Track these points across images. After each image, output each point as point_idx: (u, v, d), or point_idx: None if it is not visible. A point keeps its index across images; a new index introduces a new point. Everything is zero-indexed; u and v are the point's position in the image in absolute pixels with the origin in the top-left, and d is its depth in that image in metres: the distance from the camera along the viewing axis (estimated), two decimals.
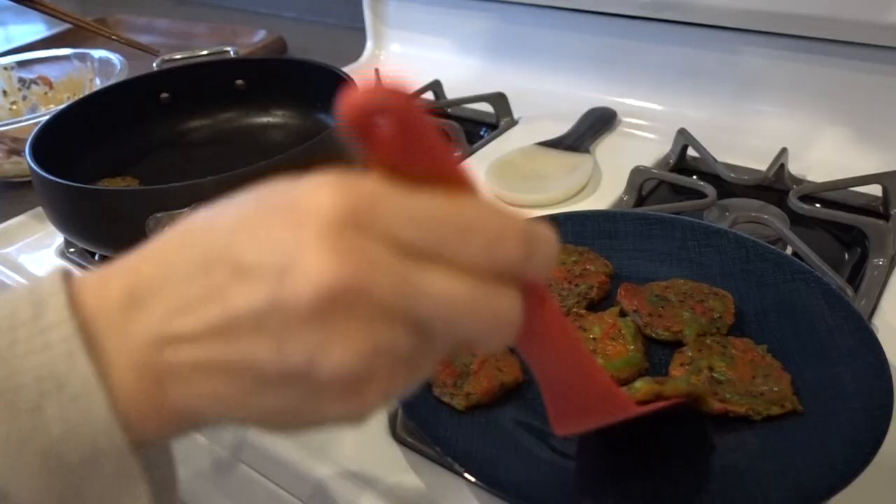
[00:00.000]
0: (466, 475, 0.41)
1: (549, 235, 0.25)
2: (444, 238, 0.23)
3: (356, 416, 0.24)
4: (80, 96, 0.78)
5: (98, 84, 0.92)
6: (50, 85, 0.97)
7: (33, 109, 0.95)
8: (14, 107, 0.95)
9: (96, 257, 0.70)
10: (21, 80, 0.96)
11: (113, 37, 0.96)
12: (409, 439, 0.48)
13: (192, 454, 0.57)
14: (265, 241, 0.23)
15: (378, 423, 0.50)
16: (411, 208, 0.23)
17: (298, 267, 0.22)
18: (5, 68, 0.95)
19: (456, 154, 0.20)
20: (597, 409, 0.34)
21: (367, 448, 0.48)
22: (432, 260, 0.23)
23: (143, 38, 1.23)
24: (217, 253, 0.23)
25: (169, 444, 0.29)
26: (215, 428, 0.26)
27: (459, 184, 0.24)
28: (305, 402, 0.24)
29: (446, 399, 0.46)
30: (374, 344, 0.22)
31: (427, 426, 0.44)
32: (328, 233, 0.22)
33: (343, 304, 0.22)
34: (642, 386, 0.41)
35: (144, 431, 0.25)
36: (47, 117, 0.70)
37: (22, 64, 0.97)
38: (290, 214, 0.22)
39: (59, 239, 0.73)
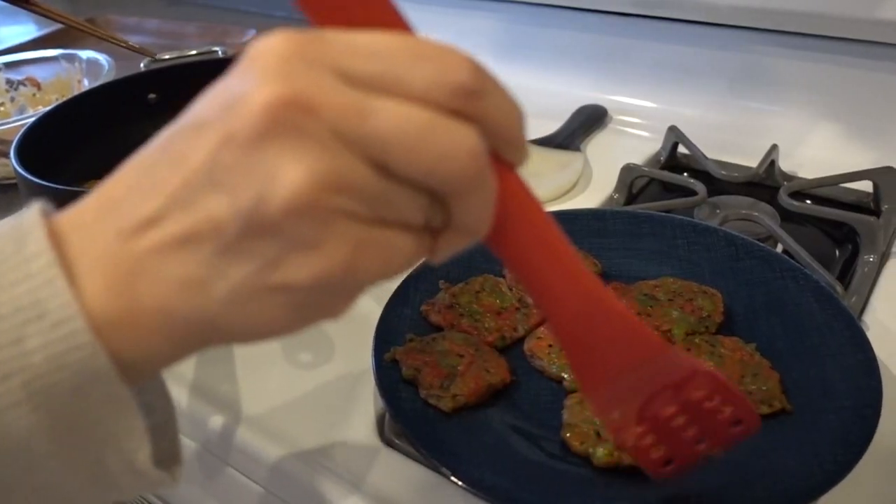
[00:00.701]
0: (453, 479, 0.40)
1: (502, 85, 0.24)
2: (395, 66, 0.22)
3: (325, 281, 0.22)
4: (68, 97, 0.78)
5: (86, 85, 0.91)
6: (38, 86, 0.96)
7: (22, 111, 0.94)
8: (2, 108, 0.95)
9: None
10: (9, 82, 0.96)
11: (110, 39, 0.95)
12: (398, 441, 0.48)
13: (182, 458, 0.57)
14: (216, 96, 0.22)
15: (366, 426, 0.49)
16: (360, 41, 0.22)
17: (241, 98, 0.21)
18: None
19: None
20: (619, 349, 0.30)
21: (355, 450, 0.48)
22: (383, 88, 0.22)
23: (134, 39, 1.22)
24: (159, 156, 0.24)
25: (165, 388, 0.28)
26: (191, 342, 0.25)
27: (404, 29, 0.24)
28: (267, 267, 0.22)
29: (433, 401, 0.46)
30: (326, 166, 0.21)
31: (413, 428, 0.43)
32: (273, 65, 0.21)
33: (290, 125, 0.21)
34: (603, 454, 0.41)
35: (125, 349, 0.24)
36: (32, 119, 0.70)
37: (10, 65, 0.96)
38: (237, 70, 0.22)
39: None
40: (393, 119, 0.21)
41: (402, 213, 0.23)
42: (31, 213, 0.25)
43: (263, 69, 0.21)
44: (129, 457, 0.25)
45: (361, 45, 0.22)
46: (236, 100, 0.21)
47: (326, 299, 0.24)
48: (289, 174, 0.21)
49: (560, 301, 0.29)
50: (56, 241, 0.24)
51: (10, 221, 0.25)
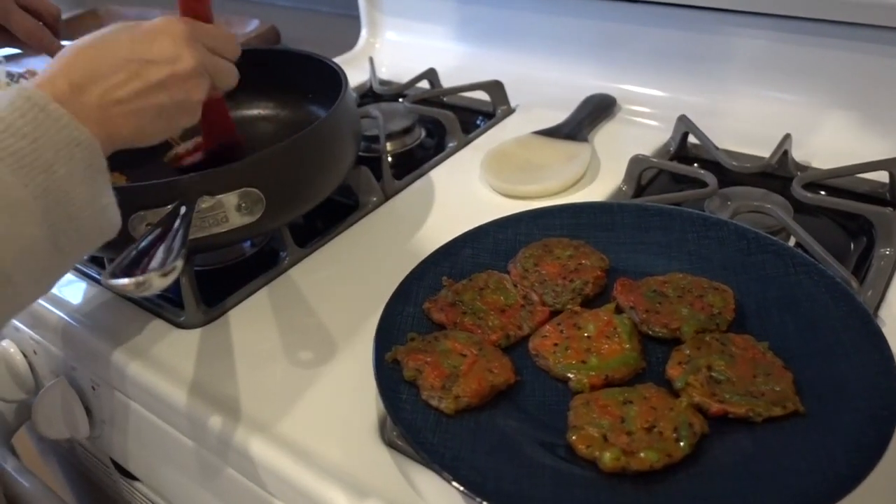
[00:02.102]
0: (455, 484, 0.39)
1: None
2: (223, 45, 0.53)
3: (189, 95, 0.49)
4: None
5: None
6: None
7: None
8: None
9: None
10: (9, 75, 0.95)
11: None
12: (399, 442, 0.47)
13: (181, 459, 0.56)
14: (160, 48, 0.47)
15: (367, 426, 0.48)
16: (211, 32, 0.52)
17: (182, 58, 0.48)
18: None
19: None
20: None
21: (356, 452, 0.47)
22: (216, 52, 0.52)
23: None
24: (129, 55, 0.46)
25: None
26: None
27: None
28: (175, 94, 0.48)
29: (434, 403, 0.44)
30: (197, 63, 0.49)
31: (413, 432, 0.42)
32: (187, 43, 0.49)
33: (195, 68, 0.49)
34: (610, 459, 0.40)
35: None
36: None
37: (10, 58, 0.95)
38: (165, 34, 0.48)
39: None
40: (219, 61, 0.53)
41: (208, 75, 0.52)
42: (34, 92, 0.41)
43: (186, 45, 0.49)
44: (99, 202, 0.42)
45: (213, 34, 0.53)
46: (176, 57, 0.48)
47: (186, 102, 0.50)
48: (189, 60, 0.49)
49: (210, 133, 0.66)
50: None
51: (16, 96, 0.40)
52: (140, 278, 0.36)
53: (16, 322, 0.68)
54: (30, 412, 0.74)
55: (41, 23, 0.64)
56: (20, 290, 0.39)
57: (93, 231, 0.42)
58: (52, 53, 0.65)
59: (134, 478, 0.68)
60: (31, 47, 0.65)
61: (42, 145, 0.39)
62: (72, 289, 0.65)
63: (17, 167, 0.38)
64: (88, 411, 0.63)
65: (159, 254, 0.40)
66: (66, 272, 0.43)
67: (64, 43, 0.65)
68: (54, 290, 0.64)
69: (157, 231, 0.44)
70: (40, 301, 0.64)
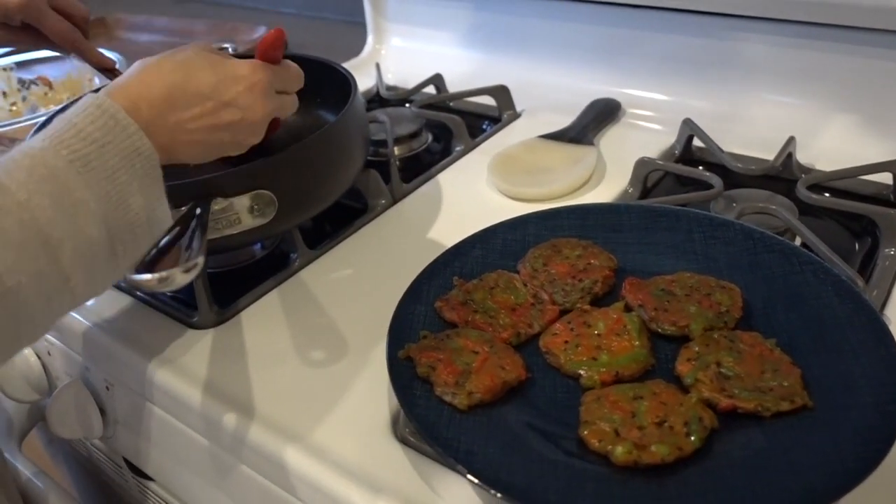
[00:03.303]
0: (469, 477, 0.40)
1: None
2: (292, 84, 0.57)
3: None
4: (79, 96, 0.77)
5: (97, 83, 0.91)
6: (49, 85, 0.96)
7: (33, 110, 0.94)
8: (14, 108, 0.95)
9: None
10: (21, 81, 0.96)
11: None
12: (412, 439, 0.47)
13: (195, 458, 0.57)
14: (240, 94, 0.50)
15: (380, 423, 0.49)
16: (284, 76, 0.55)
17: (255, 109, 0.51)
18: (5, 69, 0.95)
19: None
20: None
21: (369, 448, 0.47)
22: (285, 91, 0.56)
23: (143, 37, 1.23)
24: (211, 94, 0.49)
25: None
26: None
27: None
28: (238, 136, 0.52)
29: (448, 399, 0.45)
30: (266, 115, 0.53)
31: (428, 427, 0.43)
32: (264, 94, 0.52)
33: (263, 119, 0.53)
34: (622, 453, 0.41)
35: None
36: (44, 118, 0.69)
37: (21, 65, 0.96)
38: (246, 82, 0.51)
39: None
40: (289, 100, 0.57)
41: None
42: (106, 101, 0.43)
43: (262, 96, 0.52)
44: (159, 207, 0.45)
45: (282, 76, 0.55)
46: (251, 106, 0.51)
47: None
48: (260, 111, 0.52)
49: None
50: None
51: (89, 103, 0.43)
52: (164, 273, 0.37)
53: None
54: (42, 414, 0.75)
55: (72, 24, 0.65)
56: (77, 290, 0.40)
57: (145, 239, 0.43)
58: (82, 54, 0.67)
59: (147, 477, 0.69)
60: (63, 48, 0.66)
61: (108, 151, 0.41)
62: None
63: (85, 170, 0.40)
64: (102, 411, 0.64)
65: (180, 251, 0.41)
66: (118, 278, 0.44)
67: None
68: None
69: (176, 230, 0.44)
70: None
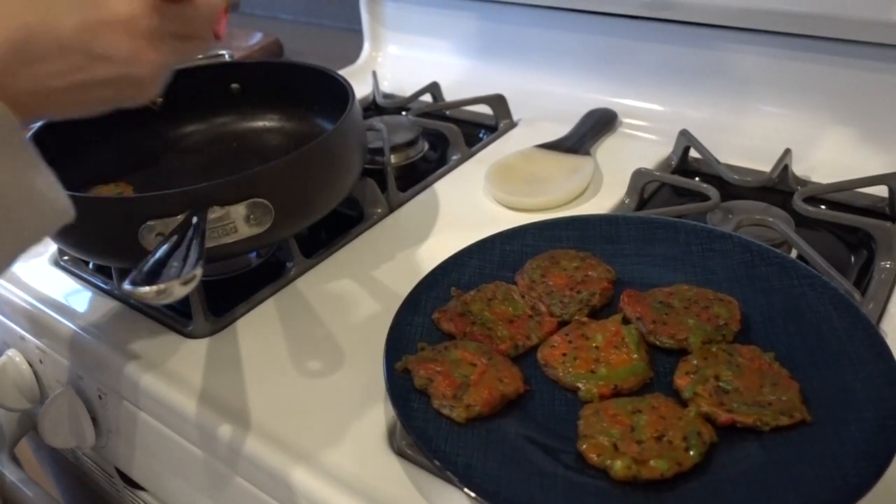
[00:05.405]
0: (467, 491, 0.40)
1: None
2: (194, 24, 0.45)
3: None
4: None
5: None
6: None
7: None
8: None
9: (90, 265, 0.69)
10: None
11: None
12: (409, 452, 0.47)
13: (188, 468, 0.56)
14: (112, 43, 0.39)
15: (377, 436, 0.49)
16: (174, 13, 0.43)
17: (139, 61, 0.41)
18: None
19: None
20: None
21: (365, 461, 0.47)
22: (189, 36, 0.45)
23: None
24: (72, 42, 0.38)
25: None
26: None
27: None
28: (125, 91, 0.42)
29: (445, 411, 0.45)
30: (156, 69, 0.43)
31: (426, 440, 0.43)
32: (149, 43, 0.41)
33: (153, 73, 0.42)
34: (621, 468, 0.40)
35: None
36: (38, 124, 0.69)
37: None
38: (121, 28, 0.39)
39: (52, 247, 0.72)
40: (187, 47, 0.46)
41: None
42: None
43: (147, 41, 0.41)
44: (28, 182, 0.36)
45: (179, 18, 0.44)
46: (132, 58, 0.41)
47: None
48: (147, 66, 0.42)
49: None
50: None
51: None
52: (161, 286, 0.37)
53: (21, 331, 0.68)
54: (33, 422, 0.74)
55: None
56: None
57: (29, 218, 0.36)
58: None
59: (139, 487, 0.68)
60: None
61: None
62: (78, 298, 0.65)
63: None
64: (95, 420, 0.63)
65: (176, 263, 0.40)
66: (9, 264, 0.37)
67: None
68: (61, 299, 0.65)
69: (173, 240, 0.44)
70: (46, 310, 0.64)
